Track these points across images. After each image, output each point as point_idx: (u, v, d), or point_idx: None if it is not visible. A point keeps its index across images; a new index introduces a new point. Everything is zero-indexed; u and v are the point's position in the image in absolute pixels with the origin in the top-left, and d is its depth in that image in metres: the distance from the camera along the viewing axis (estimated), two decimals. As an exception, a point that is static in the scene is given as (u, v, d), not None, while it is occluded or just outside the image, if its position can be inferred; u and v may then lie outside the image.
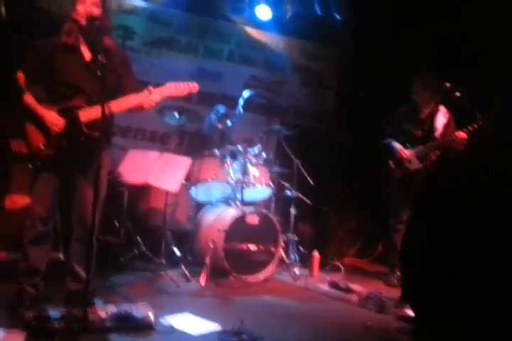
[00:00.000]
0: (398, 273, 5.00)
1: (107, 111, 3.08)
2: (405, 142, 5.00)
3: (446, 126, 4.94)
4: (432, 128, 4.95)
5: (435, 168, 4.94)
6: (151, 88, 3.38)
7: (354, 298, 4.21)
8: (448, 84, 4.76)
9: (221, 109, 5.38)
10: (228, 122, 5.31)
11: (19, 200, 3.90)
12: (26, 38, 4.83)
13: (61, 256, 3.88)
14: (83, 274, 3.21)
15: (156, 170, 4.52)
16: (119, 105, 3.34)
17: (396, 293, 4.45)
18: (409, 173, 4.96)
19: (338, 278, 4.66)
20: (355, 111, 6.35)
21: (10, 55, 4.40)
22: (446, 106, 5.03)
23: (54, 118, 3.25)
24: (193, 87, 3.52)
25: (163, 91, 3.42)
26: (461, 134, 4.70)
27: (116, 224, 4.69)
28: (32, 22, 5.05)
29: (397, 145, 5.01)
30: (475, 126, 4.65)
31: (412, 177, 4.95)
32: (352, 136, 6.33)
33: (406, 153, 4.94)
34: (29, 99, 3.29)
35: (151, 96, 3.36)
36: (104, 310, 3.21)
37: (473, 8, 5.31)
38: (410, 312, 3.94)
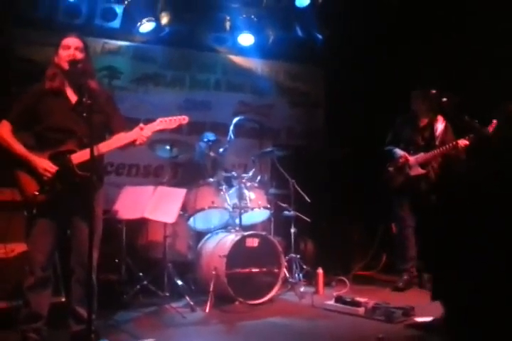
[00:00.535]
0: (405, 277, 5.07)
1: (97, 152, 3.17)
2: (406, 149, 5.10)
3: (444, 134, 5.06)
4: (432, 136, 5.09)
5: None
6: (141, 125, 3.46)
7: (361, 310, 4.17)
8: (434, 91, 4.88)
9: (210, 136, 5.46)
10: (220, 149, 5.39)
11: (17, 248, 3.93)
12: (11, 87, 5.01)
13: (63, 298, 3.88)
14: (85, 315, 3.16)
15: (152, 204, 4.56)
16: (109, 145, 3.40)
17: (403, 300, 4.43)
18: (410, 180, 5.04)
19: (344, 292, 4.63)
20: (344, 127, 6.42)
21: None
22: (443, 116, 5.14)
23: (46, 165, 3.28)
24: (183, 119, 3.60)
25: (154, 126, 3.50)
26: (463, 142, 4.78)
27: (117, 261, 4.71)
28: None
29: (400, 151, 5.12)
30: (476, 136, 4.74)
31: (412, 184, 5.02)
32: (343, 151, 6.37)
33: (409, 158, 5.04)
34: (18, 147, 3.32)
35: (143, 133, 3.43)
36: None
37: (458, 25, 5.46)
38: (419, 320, 3.93)
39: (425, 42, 5.83)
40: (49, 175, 3.28)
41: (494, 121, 4.66)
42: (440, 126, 5.11)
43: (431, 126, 5.12)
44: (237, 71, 6.71)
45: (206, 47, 6.47)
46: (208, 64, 6.59)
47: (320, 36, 6.75)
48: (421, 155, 5.03)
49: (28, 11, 5.26)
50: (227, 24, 6.30)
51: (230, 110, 6.51)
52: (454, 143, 4.83)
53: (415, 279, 5.18)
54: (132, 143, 3.46)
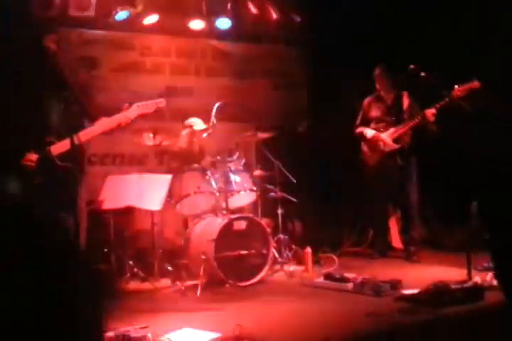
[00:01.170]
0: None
1: (76, 141, 3.20)
2: (376, 128, 5.19)
3: (411, 108, 5.15)
4: (400, 111, 5.14)
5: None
6: (126, 104, 3.52)
7: (350, 286, 4.23)
8: (412, 66, 4.91)
9: (195, 121, 5.47)
10: (204, 134, 5.39)
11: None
12: None
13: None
14: None
15: (137, 192, 4.59)
16: (93, 131, 3.45)
17: (391, 274, 4.50)
18: (385, 156, 5.11)
19: (333, 269, 4.70)
20: (328, 107, 6.44)
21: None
22: (409, 89, 5.19)
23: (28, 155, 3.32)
24: (160, 102, 3.65)
25: (133, 112, 3.54)
26: (430, 111, 4.87)
27: (106, 251, 4.74)
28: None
29: (370, 131, 5.19)
30: (442, 103, 4.87)
31: (388, 160, 5.10)
32: (329, 131, 6.40)
33: (381, 136, 5.10)
34: None
35: (127, 114, 3.50)
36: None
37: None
38: (406, 292, 3.99)
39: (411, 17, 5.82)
40: (30, 163, 3.31)
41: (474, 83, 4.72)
42: (406, 101, 5.20)
43: (398, 102, 5.20)
44: (216, 56, 6.68)
45: (184, 32, 6.43)
46: (187, 50, 6.55)
47: (297, 18, 6.74)
48: (392, 131, 5.13)
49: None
50: (204, 8, 6.26)
51: (212, 95, 6.49)
52: (422, 113, 4.92)
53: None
54: (118, 126, 3.51)
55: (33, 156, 3.34)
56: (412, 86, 5.18)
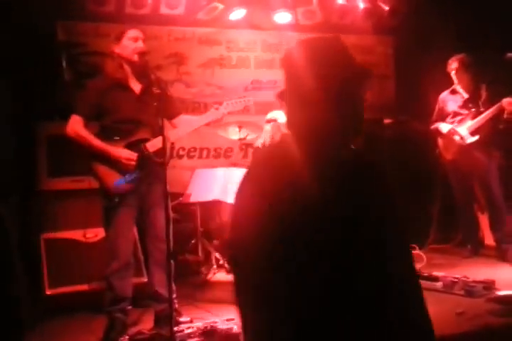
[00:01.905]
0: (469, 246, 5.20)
1: (172, 139, 3.39)
2: (452, 123, 5.00)
3: (489, 100, 4.88)
4: (477, 105, 4.90)
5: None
6: (216, 105, 3.60)
7: (440, 285, 4.09)
8: (510, 54, 4.71)
9: (277, 115, 5.45)
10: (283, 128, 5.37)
11: (98, 233, 4.14)
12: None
13: (145, 279, 4.06)
14: (167, 295, 3.29)
15: (223, 186, 4.67)
16: (183, 130, 3.57)
17: (482, 273, 4.31)
18: (463, 150, 4.90)
19: (420, 267, 4.56)
20: (417, 98, 6.24)
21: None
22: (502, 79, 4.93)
23: (127, 154, 3.41)
24: (248, 101, 3.66)
25: (222, 110, 3.60)
26: (507, 100, 4.64)
27: (193, 242, 4.86)
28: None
29: (445, 126, 5.04)
30: None
31: (466, 154, 4.89)
32: (419, 124, 6.21)
33: (457, 130, 4.90)
34: (95, 140, 3.43)
35: (218, 112, 3.57)
36: (190, 327, 3.35)
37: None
38: (501, 294, 3.82)
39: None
40: (132, 163, 3.41)
41: None
42: (484, 93, 4.92)
43: (475, 95, 4.94)
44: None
45: (269, 26, 6.43)
46: (272, 43, 6.55)
47: (385, 7, 6.55)
48: (469, 124, 4.89)
49: (96, 5, 5.41)
50: (289, 1, 6.22)
51: (297, 88, 6.46)
52: (499, 103, 4.65)
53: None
54: (207, 125, 3.62)
55: (133, 155, 3.43)
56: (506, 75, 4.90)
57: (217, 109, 3.56)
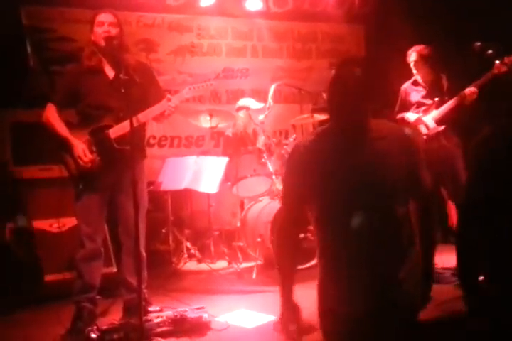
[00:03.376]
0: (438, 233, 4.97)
1: (135, 123, 3.23)
2: (417, 113, 5.01)
3: (450, 89, 4.92)
4: (441, 94, 4.93)
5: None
6: (169, 96, 3.51)
7: (409, 273, 4.14)
8: (478, 43, 4.71)
9: (248, 102, 5.44)
10: (260, 116, 5.37)
11: (68, 223, 4.08)
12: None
13: (114, 269, 4.02)
14: (136, 284, 3.26)
15: (194, 174, 4.64)
16: (145, 115, 3.47)
17: (453, 261, 4.37)
18: (429, 139, 4.93)
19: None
20: (387, 87, 6.27)
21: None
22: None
23: (81, 152, 3.36)
24: (211, 85, 3.62)
25: (183, 95, 3.54)
26: (469, 90, 4.66)
27: (164, 231, 4.83)
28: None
29: (412, 115, 5.00)
30: (482, 80, 4.60)
31: (433, 143, 4.93)
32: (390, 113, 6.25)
33: (424, 119, 4.93)
34: (62, 130, 3.40)
35: (170, 103, 3.47)
36: (160, 316, 3.34)
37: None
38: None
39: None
40: (81, 163, 3.37)
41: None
42: (445, 83, 4.97)
43: (437, 85, 4.98)
44: (273, 36, 6.60)
45: (240, 13, 6.38)
46: (244, 31, 6.51)
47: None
48: (434, 113, 4.92)
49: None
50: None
51: (268, 76, 6.45)
52: (461, 92, 4.70)
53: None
54: (162, 115, 3.52)
55: (86, 155, 3.38)
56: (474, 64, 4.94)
57: (169, 100, 3.48)
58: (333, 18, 6.66)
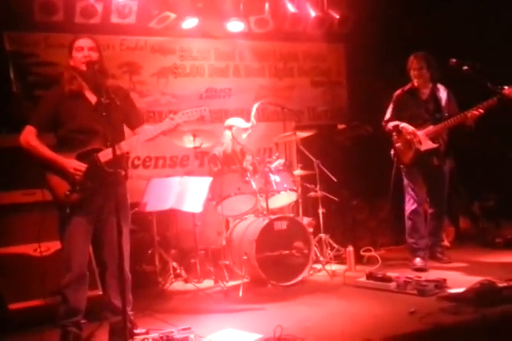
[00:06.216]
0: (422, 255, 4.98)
1: (122, 150, 3.32)
2: (411, 124, 4.94)
3: (450, 103, 4.94)
4: (437, 107, 4.93)
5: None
6: (171, 115, 3.56)
7: (393, 285, 4.18)
8: (454, 60, 4.76)
9: (235, 121, 5.50)
10: (244, 135, 5.43)
11: (51, 247, 4.07)
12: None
13: (99, 292, 4.00)
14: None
15: (179, 195, 4.67)
16: (137, 139, 3.50)
17: (435, 273, 4.42)
18: (421, 155, 4.91)
19: (375, 268, 4.65)
20: (369, 104, 6.37)
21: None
22: (447, 82, 5.02)
23: (75, 165, 3.35)
24: (204, 110, 3.64)
25: (177, 120, 3.58)
26: (475, 112, 4.66)
27: (150, 252, 4.84)
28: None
29: (407, 127, 4.91)
30: (491, 102, 4.62)
31: (424, 159, 4.92)
32: (372, 128, 6.32)
33: (418, 134, 4.89)
34: (46, 151, 3.39)
35: (173, 122, 3.52)
36: (146, 339, 3.32)
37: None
38: (452, 291, 3.92)
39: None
40: (80, 173, 3.36)
41: None
42: (443, 95, 4.96)
43: (434, 97, 4.98)
44: (255, 56, 6.70)
45: (222, 34, 6.47)
46: (226, 51, 6.60)
47: (336, 15, 6.68)
48: (430, 129, 4.86)
49: (45, 15, 5.34)
50: (241, 9, 6.27)
51: (252, 95, 6.53)
52: (462, 114, 4.70)
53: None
54: (163, 133, 3.55)
55: (82, 166, 3.40)
56: (451, 80, 5.00)
57: (172, 118, 3.53)
58: (314, 37, 6.77)
